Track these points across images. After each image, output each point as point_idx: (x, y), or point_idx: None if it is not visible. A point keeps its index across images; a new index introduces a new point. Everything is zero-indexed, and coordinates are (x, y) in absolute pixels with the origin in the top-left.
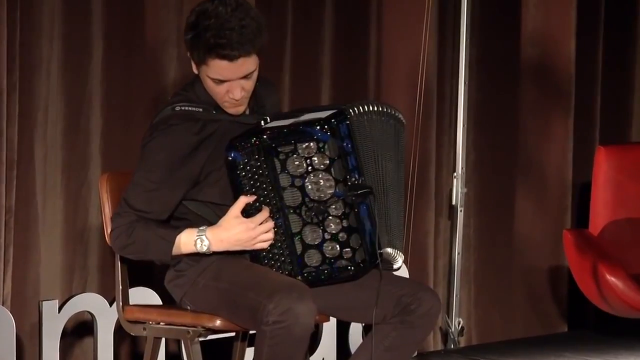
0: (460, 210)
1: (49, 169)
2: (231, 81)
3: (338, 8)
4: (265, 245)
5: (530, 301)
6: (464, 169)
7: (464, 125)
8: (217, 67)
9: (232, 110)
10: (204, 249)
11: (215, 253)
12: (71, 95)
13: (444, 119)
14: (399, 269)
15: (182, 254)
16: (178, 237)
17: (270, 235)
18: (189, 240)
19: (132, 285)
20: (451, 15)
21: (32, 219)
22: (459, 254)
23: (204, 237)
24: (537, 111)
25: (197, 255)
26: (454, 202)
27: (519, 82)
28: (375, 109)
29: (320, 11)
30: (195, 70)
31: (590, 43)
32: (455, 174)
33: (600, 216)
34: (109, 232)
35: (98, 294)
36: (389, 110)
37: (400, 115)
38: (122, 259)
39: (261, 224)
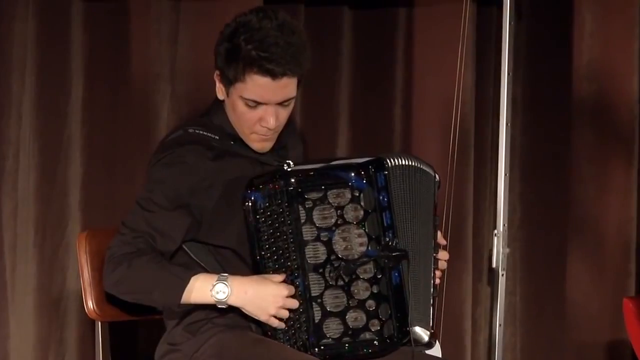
0: (502, 275)
1: (20, 227)
2: (267, 105)
3: (358, 35)
4: (279, 323)
5: None
6: (506, 225)
7: (506, 175)
8: (256, 85)
9: (257, 146)
10: (222, 296)
11: (214, 325)
12: (46, 139)
13: (483, 167)
14: (431, 346)
15: (191, 303)
16: (194, 278)
17: (287, 313)
18: (204, 285)
19: None
20: (491, 45)
21: (0, 285)
22: (501, 326)
23: (226, 283)
24: (594, 158)
25: (208, 309)
26: (494, 265)
27: (572, 123)
28: (413, 163)
29: (336, 40)
30: (220, 94)
31: None
32: (496, 231)
33: None
34: (106, 257)
35: None
36: (425, 168)
37: (435, 174)
38: (104, 331)
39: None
